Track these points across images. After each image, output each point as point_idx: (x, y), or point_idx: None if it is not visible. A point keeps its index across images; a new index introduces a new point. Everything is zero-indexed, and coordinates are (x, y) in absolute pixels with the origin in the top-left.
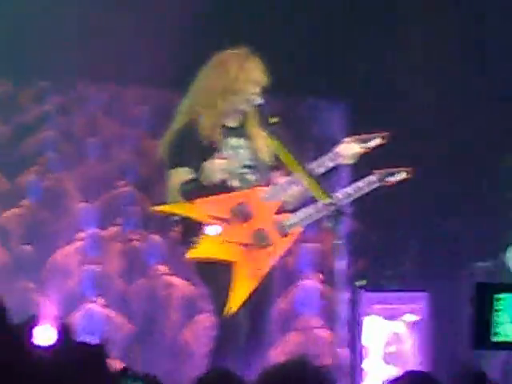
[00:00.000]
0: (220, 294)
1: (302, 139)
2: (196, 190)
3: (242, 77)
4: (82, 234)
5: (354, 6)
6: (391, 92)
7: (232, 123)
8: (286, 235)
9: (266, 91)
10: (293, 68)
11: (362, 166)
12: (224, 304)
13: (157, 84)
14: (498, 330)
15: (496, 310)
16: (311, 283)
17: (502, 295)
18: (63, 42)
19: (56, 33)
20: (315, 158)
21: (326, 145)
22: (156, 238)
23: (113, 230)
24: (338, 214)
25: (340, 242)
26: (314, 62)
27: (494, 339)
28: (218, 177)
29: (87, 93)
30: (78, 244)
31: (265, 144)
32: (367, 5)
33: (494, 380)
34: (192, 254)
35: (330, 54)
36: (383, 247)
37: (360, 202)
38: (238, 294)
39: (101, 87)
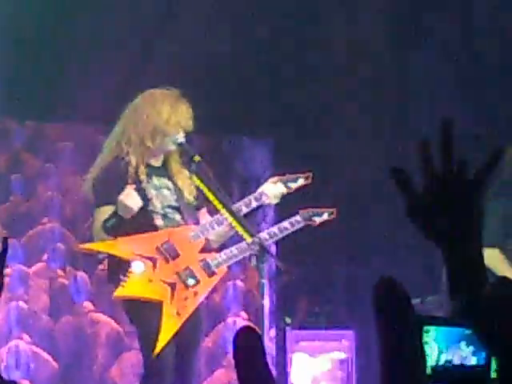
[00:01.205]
0: (147, 332)
1: (226, 177)
2: (118, 226)
3: (173, 120)
4: (7, 271)
5: (278, 40)
6: (316, 129)
7: (155, 163)
8: (212, 274)
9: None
10: (215, 105)
11: (288, 205)
12: (151, 342)
13: (80, 120)
14: (427, 363)
15: (425, 343)
16: (237, 321)
17: (429, 327)
18: None
19: None
20: (240, 196)
21: (251, 182)
22: (82, 275)
23: (38, 266)
24: (262, 252)
25: (265, 280)
26: (237, 99)
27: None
28: (134, 205)
29: (9, 128)
30: (4, 280)
31: (188, 183)
32: (291, 37)
33: None
34: (119, 292)
35: (253, 90)
36: (309, 285)
37: (285, 240)
38: (165, 333)
39: (23, 123)
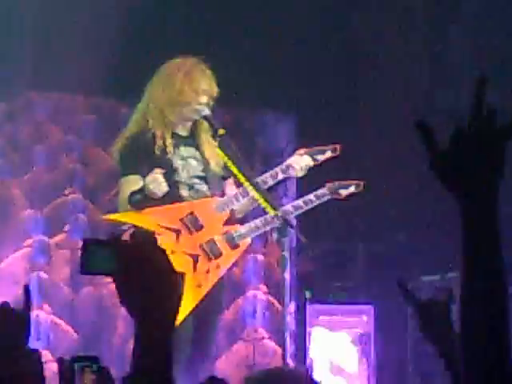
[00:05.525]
0: None
1: (249, 152)
2: (145, 200)
3: (188, 88)
4: (29, 241)
5: (303, 17)
6: (340, 106)
7: (182, 132)
8: (235, 246)
9: (214, 102)
10: (240, 80)
11: (310, 180)
12: None
13: (102, 93)
14: None
15: None
16: (258, 294)
17: None
18: (8, 49)
19: (1, 41)
20: (262, 171)
21: (274, 157)
22: None
23: (60, 237)
24: (284, 226)
25: (286, 254)
26: (262, 73)
27: None
28: (159, 191)
29: (33, 101)
30: (26, 251)
31: (215, 154)
32: (316, 15)
33: None
34: None
35: (277, 65)
36: (330, 260)
37: (307, 214)
38: (185, 305)
39: (47, 95)
